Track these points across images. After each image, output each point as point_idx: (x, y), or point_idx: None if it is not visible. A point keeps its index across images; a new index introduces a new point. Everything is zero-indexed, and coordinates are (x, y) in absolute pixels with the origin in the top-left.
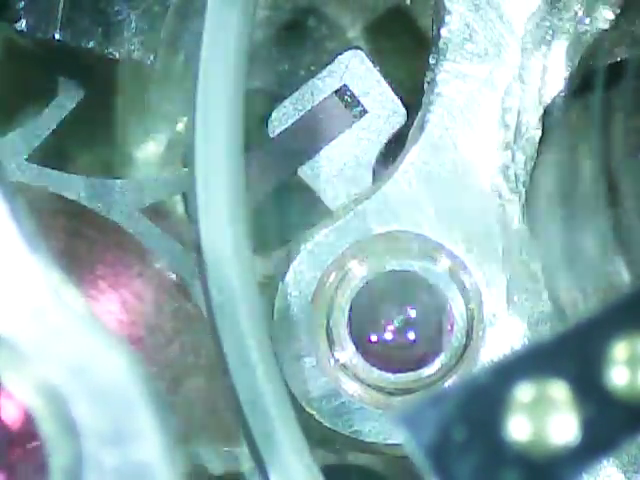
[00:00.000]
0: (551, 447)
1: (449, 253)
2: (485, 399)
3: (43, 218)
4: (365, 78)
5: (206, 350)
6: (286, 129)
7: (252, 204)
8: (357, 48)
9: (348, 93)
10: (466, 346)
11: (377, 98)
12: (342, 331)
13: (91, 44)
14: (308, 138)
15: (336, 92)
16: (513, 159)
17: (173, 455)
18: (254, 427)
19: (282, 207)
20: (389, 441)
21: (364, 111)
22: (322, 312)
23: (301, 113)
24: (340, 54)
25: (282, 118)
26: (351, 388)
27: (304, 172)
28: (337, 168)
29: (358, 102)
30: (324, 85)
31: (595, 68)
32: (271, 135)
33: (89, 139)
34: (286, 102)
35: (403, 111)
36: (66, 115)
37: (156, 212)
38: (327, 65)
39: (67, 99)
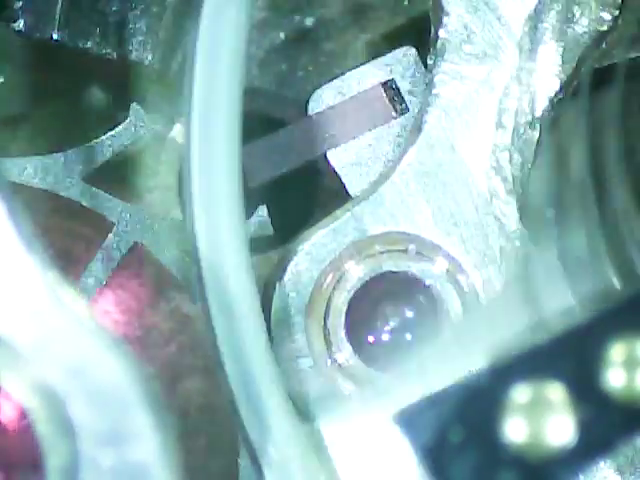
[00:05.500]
0: (548, 449)
1: (446, 254)
2: (482, 401)
3: (40, 218)
4: (413, 77)
5: (203, 350)
6: (325, 110)
7: (275, 179)
8: (411, 47)
9: (394, 88)
10: None
11: (422, 99)
12: (339, 332)
13: (89, 44)
14: (345, 123)
15: (382, 84)
16: (510, 160)
17: (170, 455)
18: (251, 427)
19: (280, 208)
20: None
21: (407, 109)
22: (319, 313)
23: (343, 97)
24: (393, 49)
25: (324, 98)
26: (348, 389)
27: (333, 156)
28: (367, 160)
29: (402, 99)
30: (372, 75)
31: (593, 70)
32: (310, 113)
33: (87, 139)
34: (331, 83)
35: None
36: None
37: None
38: (375, 58)
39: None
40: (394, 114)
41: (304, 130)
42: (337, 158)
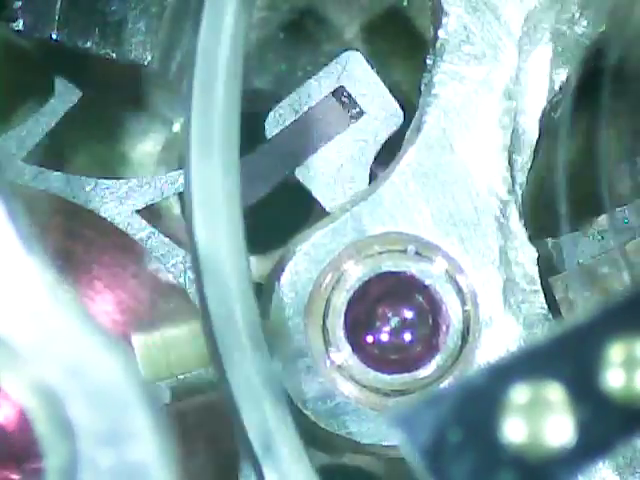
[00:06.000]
0: (546, 449)
1: (445, 254)
2: (481, 401)
3: (39, 219)
4: (362, 79)
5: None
6: (283, 130)
7: (249, 205)
8: (354, 49)
9: (345, 94)
10: (462, 347)
11: (374, 99)
12: (338, 332)
13: (88, 44)
14: (305, 139)
15: (333, 93)
16: (510, 161)
17: (169, 455)
18: (250, 428)
19: (279, 208)
20: (385, 442)
21: (361, 112)
22: (318, 313)
23: (298, 114)
24: (337, 55)
25: (279, 119)
26: (347, 389)
27: (301, 173)
28: (334, 169)
29: (355, 103)
30: (321, 86)
31: (592, 70)
32: (268, 136)
33: (85, 139)
34: (283, 103)
35: (400, 112)
36: (63, 115)
37: (152, 213)
38: (324, 66)
39: (63, 100)
40: (350, 119)
41: (266, 155)
42: (305, 174)
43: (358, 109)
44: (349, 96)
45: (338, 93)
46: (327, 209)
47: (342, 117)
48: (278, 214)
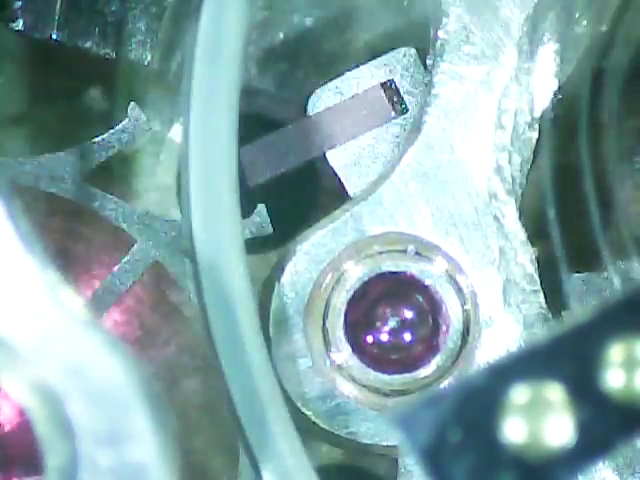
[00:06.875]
0: (546, 449)
1: (445, 254)
2: (481, 401)
3: (39, 218)
4: (413, 78)
5: (202, 351)
6: (324, 110)
7: (275, 179)
8: (408, 47)
9: (394, 88)
10: (462, 347)
11: (419, 101)
12: (338, 332)
13: (88, 44)
14: (344, 124)
15: (382, 85)
16: (509, 161)
17: (169, 456)
18: (249, 428)
19: (279, 208)
20: (385, 442)
21: (406, 110)
22: (318, 313)
23: (342, 97)
24: (393, 49)
25: (323, 98)
26: (347, 389)
27: (332, 156)
28: (366, 160)
29: (402, 99)
30: (371, 75)
31: (592, 70)
32: (309, 113)
33: (85, 139)
34: (331, 84)
35: None
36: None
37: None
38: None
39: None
40: (393, 114)
41: (303, 130)
42: (336, 158)
43: (403, 106)
44: (397, 91)
45: (387, 85)
46: (350, 194)
47: (386, 110)
48: (278, 214)
